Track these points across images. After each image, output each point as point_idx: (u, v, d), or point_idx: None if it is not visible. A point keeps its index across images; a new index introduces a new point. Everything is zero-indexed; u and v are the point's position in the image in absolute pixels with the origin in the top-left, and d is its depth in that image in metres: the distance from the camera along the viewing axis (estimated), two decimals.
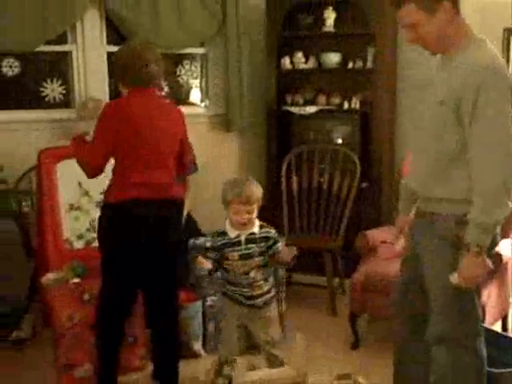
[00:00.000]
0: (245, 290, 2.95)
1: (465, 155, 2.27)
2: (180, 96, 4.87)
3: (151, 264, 2.99)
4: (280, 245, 2.95)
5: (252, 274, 2.92)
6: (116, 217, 2.89)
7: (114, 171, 2.94)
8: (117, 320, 3.00)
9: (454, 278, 2.29)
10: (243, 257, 2.92)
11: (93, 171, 2.91)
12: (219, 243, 2.97)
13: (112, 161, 2.92)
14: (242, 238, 2.92)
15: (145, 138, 2.86)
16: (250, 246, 2.92)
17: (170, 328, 3.09)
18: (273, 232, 2.96)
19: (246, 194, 2.83)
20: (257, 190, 2.89)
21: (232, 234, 2.94)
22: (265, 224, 2.98)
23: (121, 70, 2.95)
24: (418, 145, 2.51)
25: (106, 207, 2.94)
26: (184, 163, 3.15)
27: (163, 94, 3.19)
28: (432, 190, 2.38)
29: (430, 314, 2.45)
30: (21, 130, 4.08)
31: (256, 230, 2.93)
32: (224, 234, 2.97)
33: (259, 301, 2.97)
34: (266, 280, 2.98)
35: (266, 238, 2.92)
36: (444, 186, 2.33)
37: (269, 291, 3.01)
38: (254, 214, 2.91)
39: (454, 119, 2.27)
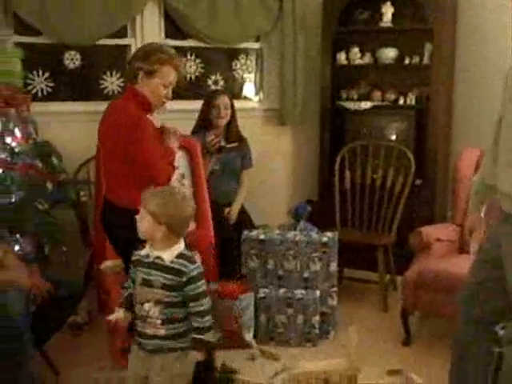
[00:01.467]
0: (139, 324, 2.41)
1: None
2: (235, 90, 4.92)
3: None
4: (193, 288, 2.31)
5: (146, 307, 2.35)
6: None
7: None
8: None
9: None
10: (144, 282, 2.37)
11: None
12: (134, 258, 2.46)
13: None
14: (150, 259, 2.37)
15: (102, 141, 2.99)
16: (152, 272, 2.34)
17: None
18: (191, 267, 2.31)
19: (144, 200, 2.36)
20: (155, 202, 2.33)
21: (144, 249, 2.42)
22: (190, 255, 2.39)
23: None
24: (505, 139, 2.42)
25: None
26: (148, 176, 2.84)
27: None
28: None
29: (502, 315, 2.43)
30: (81, 121, 4.19)
31: (166, 255, 2.34)
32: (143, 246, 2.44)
33: (147, 342, 2.37)
34: (166, 323, 2.34)
35: (178, 272, 2.30)
36: None
37: (166, 338, 2.34)
38: (156, 232, 2.32)
39: None
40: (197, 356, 2.36)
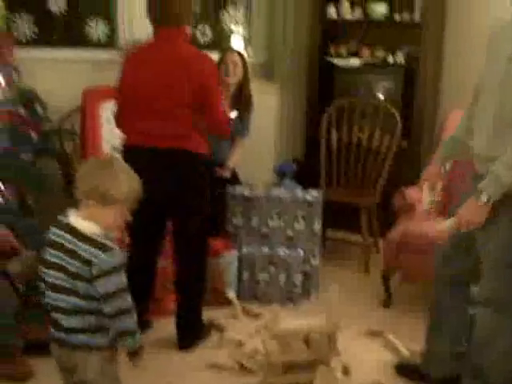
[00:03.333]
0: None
1: None
2: (222, 43, 4.82)
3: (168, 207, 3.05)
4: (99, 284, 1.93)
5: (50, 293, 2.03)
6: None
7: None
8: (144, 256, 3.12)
9: (450, 221, 2.42)
10: (44, 262, 2.04)
11: (115, 120, 3.07)
12: None
13: None
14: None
15: (149, 84, 2.86)
16: (53, 251, 2.00)
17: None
18: (100, 256, 1.92)
19: None
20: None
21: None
22: (101, 240, 1.96)
23: (148, 8, 2.94)
24: (482, 103, 2.47)
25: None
26: (212, 121, 2.98)
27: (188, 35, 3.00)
28: (497, 150, 2.32)
29: (477, 275, 2.49)
30: (65, 68, 4.08)
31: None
32: None
33: (60, 335, 2.05)
34: (73, 313, 2.00)
35: (80, 258, 1.94)
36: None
37: (76, 331, 2.00)
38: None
39: None
40: None
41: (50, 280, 2.01)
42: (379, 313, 3.59)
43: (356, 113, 4.39)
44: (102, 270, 1.93)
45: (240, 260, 3.63)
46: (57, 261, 1.98)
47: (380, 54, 4.64)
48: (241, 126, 4.01)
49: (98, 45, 4.35)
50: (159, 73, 2.85)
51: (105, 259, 1.93)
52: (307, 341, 2.71)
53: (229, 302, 3.51)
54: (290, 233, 3.70)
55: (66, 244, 1.97)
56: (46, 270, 2.02)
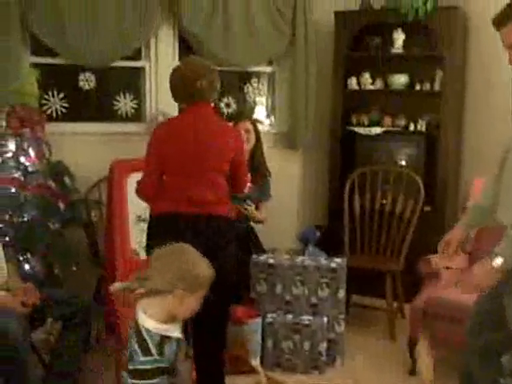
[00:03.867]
0: None
1: None
2: (247, 113, 4.95)
3: None
4: None
5: None
6: (154, 229, 3.00)
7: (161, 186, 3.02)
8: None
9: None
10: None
11: (140, 189, 3.07)
12: None
13: None
14: None
15: (188, 154, 2.92)
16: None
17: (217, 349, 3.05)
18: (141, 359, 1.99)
19: None
20: None
21: None
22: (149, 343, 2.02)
23: (172, 87, 3.06)
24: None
25: (149, 220, 3.06)
26: (237, 185, 3.13)
27: (214, 109, 3.16)
28: None
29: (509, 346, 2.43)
30: (94, 141, 4.23)
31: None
32: None
33: None
34: None
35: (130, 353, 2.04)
36: None
37: None
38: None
39: None
40: None
41: None
42: (405, 381, 3.52)
43: (379, 179, 4.44)
44: (134, 368, 2.00)
45: (263, 328, 3.62)
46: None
47: (401, 122, 4.73)
48: (259, 191, 4.10)
49: (126, 119, 4.51)
50: (197, 142, 2.92)
51: (142, 361, 1.99)
52: None
53: (253, 370, 3.48)
54: (314, 300, 3.69)
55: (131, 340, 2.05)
56: None
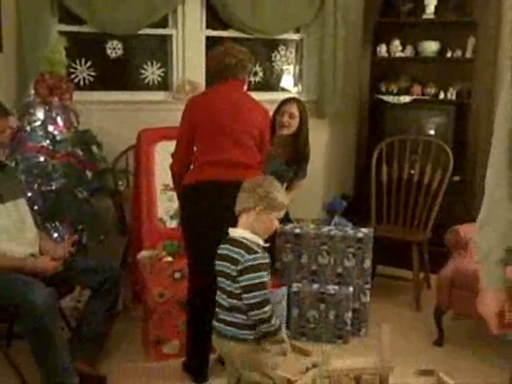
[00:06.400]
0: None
1: None
2: (273, 82, 4.91)
3: None
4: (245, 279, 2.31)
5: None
6: (190, 198, 3.01)
7: (194, 158, 3.06)
8: (207, 300, 3.08)
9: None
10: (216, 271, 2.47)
11: (175, 160, 3.10)
12: None
13: None
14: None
15: (221, 124, 2.99)
16: (220, 262, 2.42)
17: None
18: (247, 257, 2.31)
19: None
20: None
21: None
22: (249, 244, 2.34)
23: (207, 68, 3.21)
24: None
25: (183, 190, 3.06)
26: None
27: (247, 83, 3.23)
28: None
29: None
30: (121, 110, 4.24)
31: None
32: None
33: (219, 326, 2.44)
34: (229, 310, 2.39)
35: (232, 260, 2.34)
36: None
37: (228, 323, 2.38)
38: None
39: None
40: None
41: (220, 285, 2.41)
42: (432, 351, 3.52)
43: (407, 149, 4.38)
44: (244, 267, 2.28)
45: (289, 297, 3.64)
46: (223, 269, 2.37)
47: (431, 90, 4.65)
48: (294, 172, 4.08)
49: (153, 87, 4.50)
50: (230, 110, 3.01)
51: (248, 258, 2.28)
52: (359, 381, 2.68)
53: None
54: (339, 270, 3.69)
55: (229, 253, 2.35)
56: (218, 278, 2.42)
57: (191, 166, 3.08)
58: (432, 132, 4.59)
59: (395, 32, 4.74)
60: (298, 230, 3.74)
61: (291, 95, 4.54)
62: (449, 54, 4.57)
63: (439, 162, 4.28)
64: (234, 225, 2.45)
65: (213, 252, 2.45)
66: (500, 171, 1.76)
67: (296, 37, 4.91)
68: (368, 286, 3.72)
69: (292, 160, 4.05)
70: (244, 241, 2.35)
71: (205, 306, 2.84)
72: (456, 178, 4.40)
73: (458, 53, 4.53)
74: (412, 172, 4.38)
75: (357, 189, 4.83)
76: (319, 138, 4.86)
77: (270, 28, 4.62)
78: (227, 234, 2.44)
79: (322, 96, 4.77)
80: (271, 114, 3.82)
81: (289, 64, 4.98)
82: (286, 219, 3.96)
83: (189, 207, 3.03)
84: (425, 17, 4.58)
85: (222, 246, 2.42)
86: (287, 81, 5.00)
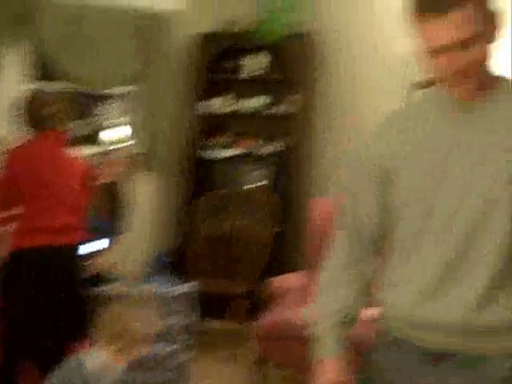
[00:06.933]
0: None
1: None
2: (99, 134, 4.87)
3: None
4: None
5: None
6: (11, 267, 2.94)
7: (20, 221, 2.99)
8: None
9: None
10: None
11: None
12: None
13: None
14: None
15: (44, 180, 2.96)
16: None
17: None
18: None
19: None
20: None
21: None
22: None
23: (23, 114, 3.06)
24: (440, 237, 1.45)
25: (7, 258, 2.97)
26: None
27: (67, 135, 3.20)
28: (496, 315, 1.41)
29: None
30: None
31: None
32: None
33: None
34: None
35: None
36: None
37: None
38: None
39: None
40: None
41: None
42: None
43: (231, 202, 4.48)
44: None
45: None
46: None
47: (255, 144, 4.81)
48: (112, 225, 4.04)
49: None
50: (52, 166, 2.99)
51: None
52: None
53: None
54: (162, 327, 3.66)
55: None
56: None
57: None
58: (257, 184, 4.73)
59: (220, 88, 4.89)
60: (114, 291, 3.66)
61: (115, 147, 4.56)
62: (272, 110, 4.76)
63: (263, 214, 4.41)
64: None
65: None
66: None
67: (126, 90, 4.92)
68: (191, 341, 3.72)
69: (110, 213, 4.02)
70: None
71: None
72: (278, 229, 4.55)
73: (281, 108, 4.73)
74: (234, 225, 4.46)
75: (181, 243, 4.83)
76: (146, 192, 4.84)
77: (99, 81, 4.60)
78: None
79: (150, 150, 4.80)
80: (93, 166, 3.83)
81: (117, 117, 4.96)
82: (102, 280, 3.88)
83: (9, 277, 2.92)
84: (250, 74, 4.76)
85: None
86: (114, 133, 4.97)
